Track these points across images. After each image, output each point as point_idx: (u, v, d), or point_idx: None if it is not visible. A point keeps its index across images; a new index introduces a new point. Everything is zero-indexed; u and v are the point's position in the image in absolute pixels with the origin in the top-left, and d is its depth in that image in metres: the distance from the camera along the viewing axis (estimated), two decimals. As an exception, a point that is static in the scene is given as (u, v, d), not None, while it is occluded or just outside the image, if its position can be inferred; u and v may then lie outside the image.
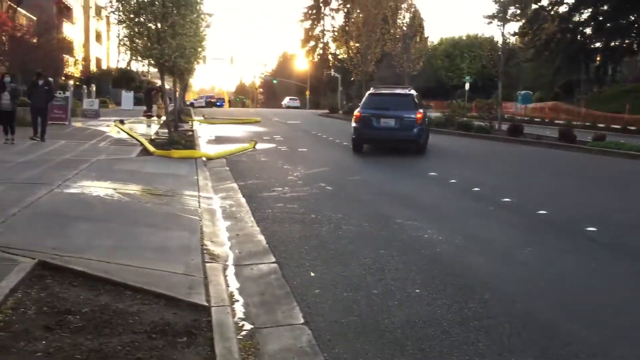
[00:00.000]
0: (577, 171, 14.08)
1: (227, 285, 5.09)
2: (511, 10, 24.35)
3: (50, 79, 32.57)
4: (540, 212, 8.31)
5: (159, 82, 27.65)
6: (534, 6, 40.47)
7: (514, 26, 24.54)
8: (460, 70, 62.46)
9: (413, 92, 17.48)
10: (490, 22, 24.48)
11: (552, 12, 42.82)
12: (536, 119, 36.16)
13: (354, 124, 16.31)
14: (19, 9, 35.97)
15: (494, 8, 24.13)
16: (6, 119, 14.21)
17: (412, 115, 15.64)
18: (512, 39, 25.71)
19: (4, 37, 28.22)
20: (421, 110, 16.27)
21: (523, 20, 38.26)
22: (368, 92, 17.81)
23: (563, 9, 42.97)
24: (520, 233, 7.15)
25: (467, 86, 48.64)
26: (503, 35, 23.65)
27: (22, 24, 32.56)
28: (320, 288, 5.02)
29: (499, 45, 23.95)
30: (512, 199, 9.24)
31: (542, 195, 9.87)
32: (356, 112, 16.49)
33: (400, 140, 15.94)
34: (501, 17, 23.60)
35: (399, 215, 7.88)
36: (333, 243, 6.45)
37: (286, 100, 72.98)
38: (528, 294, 5.00)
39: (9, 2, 35.34)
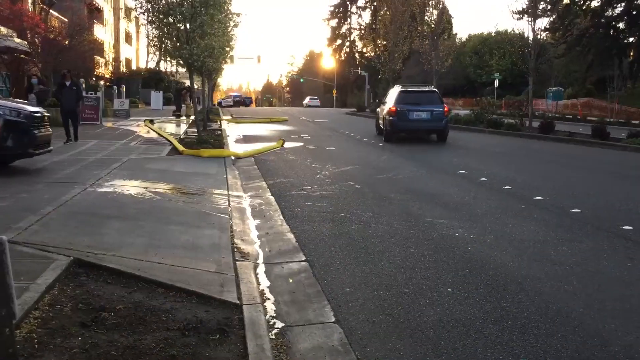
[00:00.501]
0: (611, 168, 13.78)
1: (258, 283, 5.11)
2: (542, 5, 23.92)
3: (82, 80, 33.18)
4: (574, 210, 8.16)
5: (187, 82, 27.96)
6: (565, 1, 39.77)
7: (544, 21, 24.03)
8: (490, 67, 61.65)
9: (436, 90, 20.59)
10: (520, 18, 24.01)
11: (584, 7, 42.03)
12: (568, 116, 35.54)
13: (389, 117, 18.73)
14: (51, 11, 36.65)
15: (523, 3, 23.68)
16: None
17: (441, 109, 18.82)
18: (543, 35, 25.19)
19: (37, 39, 28.76)
20: (446, 105, 19.35)
21: (554, 16, 37.60)
22: (399, 90, 19.94)
23: (595, 3, 42.18)
24: (554, 231, 7.02)
25: (496, 83, 47.97)
26: (533, 30, 23.26)
27: (54, 26, 33.14)
28: (351, 286, 5.00)
29: (529, 41, 23.54)
30: (544, 197, 9.09)
31: (576, 193, 9.68)
32: (391, 107, 18.72)
33: (431, 130, 19.27)
34: (531, 12, 23.18)
35: (428, 214, 7.82)
36: (363, 241, 6.43)
37: (307, 100, 77.63)
38: (563, 293, 4.91)
39: (42, 5, 36.03)
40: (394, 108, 18.59)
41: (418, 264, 5.61)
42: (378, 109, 23.90)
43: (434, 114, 18.64)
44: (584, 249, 6.24)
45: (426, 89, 20.91)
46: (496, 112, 27.86)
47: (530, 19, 23.29)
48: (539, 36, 23.58)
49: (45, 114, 10.36)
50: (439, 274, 5.32)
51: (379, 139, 19.61)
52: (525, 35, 23.74)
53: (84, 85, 29.16)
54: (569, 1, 40.98)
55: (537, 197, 9.08)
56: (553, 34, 41.33)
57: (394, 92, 20.14)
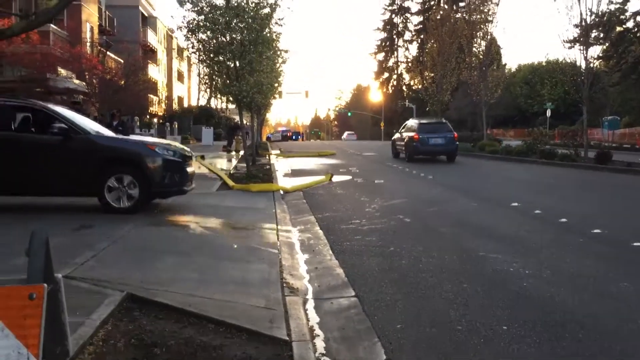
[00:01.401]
0: (674, 199, 13.19)
1: (308, 320, 5.05)
2: (594, 33, 23.46)
3: (136, 117, 34.24)
4: (635, 244, 7.81)
5: (237, 118, 28.53)
6: (618, 29, 38.95)
7: (597, 49, 23.49)
8: (541, 96, 60.67)
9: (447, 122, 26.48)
10: (572, 47, 23.59)
11: (638, 34, 41.04)
12: (625, 145, 34.48)
13: (412, 143, 24.46)
14: (108, 52, 38.31)
15: (574, 32, 23.29)
16: None
17: (452, 136, 24.69)
18: (596, 63, 24.65)
19: (94, 80, 30.07)
20: (455, 133, 25.25)
21: (607, 44, 36.85)
22: (418, 122, 25.96)
23: (650, 30, 41.15)
24: (614, 266, 6.72)
25: (548, 113, 47.13)
26: (586, 59, 22.79)
27: (111, 67, 34.64)
28: (402, 323, 4.89)
29: (581, 69, 23.06)
30: (603, 230, 8.75)
31: (636, 226, 9.29)
32: (414, 135, 24.48)
33: (445, 152, 24.82)
34: (583, 40, 22.77)
35: (481, 248, 7.63)
36: (413, 276, 6.31)
37: (345, 135, 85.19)
38: (626, 332, 4.66)
39: (100, 47, 37.73)
40: (416, 136, 24.32)
41: (471, 300, 5.45)
42: (394, 137, 29.30)
43: (447, 139, 24.38)
44: (648, 285, 5.94)
45: (438, 120, 27.24)
46: (549, 143, 27.26)
47: (582, 47, 22.86)
48: (591, 64, 23.07)
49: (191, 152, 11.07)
50: (494, 311, 5.14)
51: (429, 171, 19.43)
52: (578, 63, 23.27)
53: (138, 123, 30.19)
54: (622, 29, 40.10)
55: (596, 231, 8.75)
56: (607, 62, 40.44)
57: (413, 123, 26.11)
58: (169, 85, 62.45)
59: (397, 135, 28.17)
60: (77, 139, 9.24)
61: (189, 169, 10.35)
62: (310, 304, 5.53)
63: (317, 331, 4.80)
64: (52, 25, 29.47)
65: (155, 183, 9.51)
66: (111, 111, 17.46)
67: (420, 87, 49.48)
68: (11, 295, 1.87)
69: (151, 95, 45.15)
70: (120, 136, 11.56)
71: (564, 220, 9.72)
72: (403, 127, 27.36)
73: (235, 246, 7.61)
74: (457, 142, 25.05)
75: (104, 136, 10.03)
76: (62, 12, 29.09)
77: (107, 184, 9.24)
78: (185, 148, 10.87)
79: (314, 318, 5.14)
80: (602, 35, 24.48)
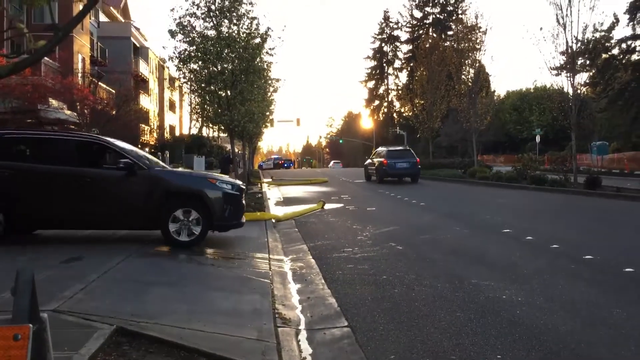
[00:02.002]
0: (664, 224, 13.26)
1: (300, 351, 5.00)
2: (580, 60, 23.83)
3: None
4: (628, 269, 7.82)
5: (229, 147, 28.58)
6: (604, 56, 39.59)
7: (583, 76, 23.83)
8: (530, 122, 61.37)
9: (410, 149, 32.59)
10: (558, 74, 23.93)
11: (624, 61, 41.71)
12: (614, 171, 34.77)
13: (382, 167, 29.22)
14: (100, 83, 38.46)
15: (560, 59, 23.64)
16: None
17: (415, 160, 29.61)
18: (583, 90, 24.98)
19: (86, 110, 30.12)
20: (417, 158, 30.34)
21: (593, 70, 37.41)
22: (387, 149, 31.16)
23: (635, 57, 41.81)
24: (607, 293, 6.72)
25: (537, 139, 47.56)
26: (573, 86, 23.10)
27: (102, 97, 34.73)
28: (395, 354, 4.84)
29: (569, 96, 23.36)
30: (595, 256, 8.77)
31: (628, 252, 9.31)
32: (383, 160, 29.28)
33: (409, 175, 29.55)
34: (569, 67, 23.11)
35: (473, 276, 7.61)
36: (406, 305, 6.27)
37: (331, 164, 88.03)
38: (620, 359, 4.64)
39: (91, 78, 37.88)
40: (385, 161, 29.15)
41: (465, 329, 5.42)
42: (366, 163, 33.98)
43: (411, 164, 29.24)
44: (641, 311, 5.93)
45: (404, 148, 33.70)
46: (539, 168, 27.44)
47: (568, 74, 23.19)
48: (579, 91, 23.38)
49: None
50: (487, 340, 5.11)
51: (422, 199, 19.45)
52: (565, 90, 23.58)
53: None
54: (608, 56, 40.77)
55: (588, 256, 8.76)
56: (593, 89, 40.98)
57: (382, 150, 31.44)
58: (161, 115, 62.62)
59: (368, 161, 33.17)
60: (140, 173, 9.43)
61: (243, 202, 10.58)
62: (303, 335, 5.47)
63: (310, 363, 4.75)
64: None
65: (217, 216, 9.66)
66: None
67: (410, 114, 49.95)
68: (-4, 336, 1.85)
69: (143, 125, 45.22)
70: (182, 170, 11.76)
71: (555, 246, 9.73)
72: (374, 154, 32.96)
73: (226, 276, 7.55)
74: (419, 166, 30.07)
75: (167, 171, 10.38)
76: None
77: (170, 217, 9.37)
78: (239, 182, 10.96)
79: (307, 349, 5.09)
80: (588, 62, 24.84)
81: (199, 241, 9.50)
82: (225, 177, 10.88)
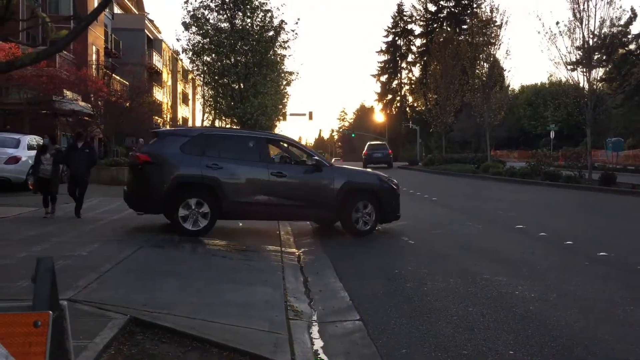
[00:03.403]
0: (680, 222, 13.13)
1: (312, 344, 5.01)
2: (596, 56, 23.58)
3: (141, 140, 34.36)
4: (642, 266, 7.76)
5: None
6: (620, 51, 39.18)
7: (599, 72, 23.65)
8: (544, 118, 60.89)
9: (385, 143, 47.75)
10: (574, 69, 23.69)
11: (640, 56, 41.26)
12: (629, 167, 34.42)
13: (364, 157, 42.87)
14: (113, 75, 38.64)
15: (577, 54, 23.39)
16: (46, 188, 11.42)
17: (387, 152, 43.82)
18: (599, 85, 24.75)
19: (99, 102, 30.30)
20: (390, 150, 45.25)
21: (610, 66, 37.02)
22: (369, 144, 46.35)
23: (652, 51, 41.35)
24: (621, 289, 6.67)
25: (552, 134, 47.18)
26: (589, 81, 22.87)
27: (116, 89, 34.90)
28: (407, 347, 4.84)
29: (585, 92, 23.13)
30: (609, 253, 8.70)
31: (643, 249, 9.23)
32: (364, 152, 44.05)
33: (383, 162, 41.49)
34: (585, 63, 22.87)
35: (486, 271, 7.58)
36: (418, 300, 6.26)
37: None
38: (633, 356, 4.60)
39: (105, 70, 38.07)
40: (366, 152, 43.78)
41: (477, 324, 5.40)
42: (363, 156, 44.10)
43: (384, 154, 43.08)
44: (656, 309, 5.88)
45: (380, 142, 49.63)
46: (553, 164, 27.24)
47: (584, 69, 22.97)
48: (594, 87, 23.15)
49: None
50: (500, 335, 5.09)
51: (433, 193, 19.39)
52: (581, 85, 23.36)
53: (142, 145, 30.31)
54: (624, 51, 40.31)
55: (602, 253, 8.69)
56: (610, 84, 40.58)
57: (367, 145, 45.98)
58: (174, 107, 62.82)
59: (364, 152, 44.82)
60: (325, 170, 10.53)
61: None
62: (315, 328, 5.49)
63: (322, 355, 4.76)
64: (59, 48, 29.77)
65: (387, 209, 10.81)
66: (77, 130, 16.32)
67: (423, 108, 49.72)
68: (16, 322, 1.87)
69: (156, 117, 45.40)
70: (355, 168, 13.30)
71: (569, 242, 9.67)
72: (366, 148, 45.42)
73: (238, 267, 7.59)
74: (391, 156, 44.92)
75: (346, 168, 11.85)
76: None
77: (353, 209, 10.48)
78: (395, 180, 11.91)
79: (319, 342, 5.10)
80: (604, 57, 24.58)
81: (373, 230, 10.65)
82: (381, 173, 11.88)
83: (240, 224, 10.95)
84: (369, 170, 13.84)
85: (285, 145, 11.65)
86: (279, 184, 10.11)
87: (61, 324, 2.09)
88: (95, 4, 34.31)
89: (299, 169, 10.60)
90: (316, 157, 10.68)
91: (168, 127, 52.70)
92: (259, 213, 10.26)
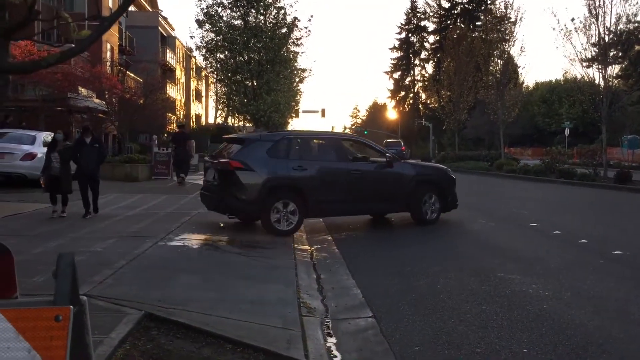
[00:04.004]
0: (696, 220, 12.99)
1: (325, 340, 5.03)
2: (612, 52, 23.34)
3: (155, 136, 34.57)
4: (658, 265, 7.69)
5: (254, 136, 28.71)
6: (637, 47, 38.74)
7: (615, 69, 23.44)
8: (559, 115, 60.36)
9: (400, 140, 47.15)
10: (589, 66, 23.49)
11: (657, 53, 40.76)
12: (645, 165, 34.01)
13: None
14: (127, 72, 38.88)
15: (592, 51, 23.18)
16: (56, 186, 10.99)
17: (400, 148, 42.62)
18: (615, 82, 24.50)
19: (114, 99, 30.51)
20: (403, 146, 44.08)
21: (626, 62, 36.61)
22: (386, 141, 42.29)
23: (669, 48, 40.81)
24: (636, 288, 6.62)
25: (567, 132, 46.76)
26: (604, 78, 22.66)
27: (130, 86, 35.11)
28: (420, 345, 4.84)
29: (600, 88, 22.92)
30: (624, 252, 8.63)
31: (658, 247, 9.15)
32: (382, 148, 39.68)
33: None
34: (601, 59, 22.66)
35: (500, 269, 7.56)
36: (432, 297, 6.26)
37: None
38: (650, 357, 4.57)
39: (119, 67, 38.30)
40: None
41: (490, 322, 5.39)
42: None
43: (397, 151, 36.47)
44: (672, 308, 5.83)
45: (396, 140, 48.39)
46: (568, 162, 27.03)
47: (600, 66, 22.76)
48: (610, 83, 22.93)
49: None
50: (513, 333, 5.08)
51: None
52: (596, 82, 23.15)
53: (156, 142, 30.50)
54: (640, 47, 39.87)
55: (617, 252, 8.63)
56: (625, 81, 40.16)
57: (383, 142, 42.60)
58: (187, 104, 63.10)
59: None
60: (396, 165, 11.28)
61: None
62: (328, 325, 5.50)
63: (335, 352, 4.78)
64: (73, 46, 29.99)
65: (450, 199, 11.78)
66: (84, 124, 15.85)
67: (437, 105, 49.49)
68: (38, 317, 1.90)
69: (169, 114, 45.62)
70: (419, 162, 14.45)
71: (583, 241, 9.61)
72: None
73: (252, 265, 7.63)
74: (404, 152, 43.33)
75: (412, 162, 12.99)
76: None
77: (422, 201, 11.36)
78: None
79: (332, 339, 5.12)
80: (620, 54, 24.34)
81: (437, 220, 11.50)
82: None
83: (222, 225, 10.90)
84: (431, 163, 14.79)
85: (358, 144, 12.84)
86: (356, 181, 10.77)
87: (81, 319, 2.13)
88: (110, 3, 34.55)
89: (373, 166, 11.25)
90: (388, 154, 11.49)
91: (247, 131, 52.91)
92: (339, 210, 11.03)
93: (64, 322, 1.88)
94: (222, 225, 10.78)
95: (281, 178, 10.25)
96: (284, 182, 10.28)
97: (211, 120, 75.10)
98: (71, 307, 1.97)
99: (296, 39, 18.31)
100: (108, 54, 36.91)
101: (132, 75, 39.66)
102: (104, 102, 30.24)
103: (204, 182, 11.38)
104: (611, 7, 22.14)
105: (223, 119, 66.56)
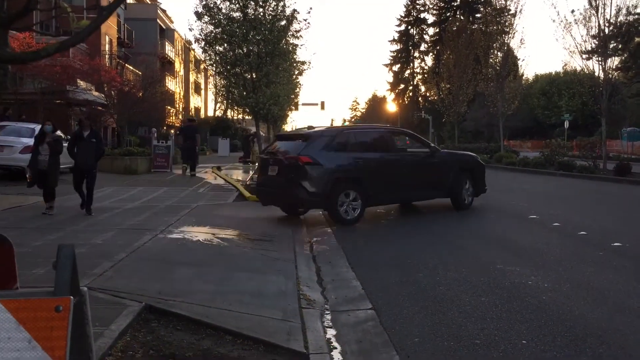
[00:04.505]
0: (696, 212, 13.00)
1: (325, 332, 5.05)
2: (612, 44, 23.28)
3: (154, 129, 34.46)
4: (657, 257, 7.70)
5: (253, 129, 28.70)
6: (637, 39, 38.63)
7: (615, 61, 23.39)
8: (559, 108, 60.32)
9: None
10: (589, 58, 23.43)
11: (657, 45, 40.63)
12: (644, 157, 34.02)
13: None
14: (126, 65, 38.78)
15: (592, 43, 23.11)
16: (42, 180, 10.42)
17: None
18: (615, 74, 24.44)
19: (113, 92, 30.44)
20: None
21: (625, 55, 36.52)
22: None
23: (669, 40, 40.69)
24: (635, 280, 6.63)
25: (566, 124, 46.73)
26: (604, 70, 22.61)
27: (129, 79, 35.01)
28: (419, 336, 4.86)
29: (600, 81, 22.87)
30: (623, 244, 8.64)
31: (657, 239, 9.16)
32: None
33: None
34: (601, 52, 22.60)
35: (499, 261, 7.57)
36: (431, 289, 6.27)
37: None
38: (649, 348, 4.59)
39: (118, 60, 38.19)
40: None
41: (489, 314, 5.40)
42: None
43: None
44: (671, 300, 5.85)
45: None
46: (567, 154, 27.03)
47: (600, 58, 22.70)
48: (610, 76, 22.88)
49: None
50: (512, 325, 5.09)
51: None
52: (596, 74, 23.10)
53: (155, 134, 30.45)
54: (640, 39, 39.75)
55: (616, 244, 8.64)
56: (625, 73, 40.10)
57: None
58: (186, 97, 62.96)
59: None
60: (437, 155, 12.46)
61: None
62: (328, 316, 5.52)
63: (335, 344, 4.79)
64: (72, 38, 29.83)
65: (479, 183, 12.97)
66: (80, 117, 15.37)
67: (436, 98, 49.40)
68: (38, 307, 1.91)
69: (168, 107, 45.54)
70: (454, 151, 15.82)
71: (583, 233, 9.62)
72: None
73: (251, 257, 7.64)
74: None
75: (450, 152, 14.43)
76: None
77: (463, 187, 12.54)
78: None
79: (331, 330, 5.13)
80: (620, 46, 24.27)
81: (471, 205, 12.65)
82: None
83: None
84: (465, 152, 15.84)
85: (406, 136, 13.84)
86: (407, 170, 11.74)
87: (82, 309, 2.13)
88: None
89: (420, 156, 12.28)
90: (431, 145, 12.81)
91: (180, 117, 52.92)
92: (393, 198, 12.03)
93: (64, 313, 1.88)
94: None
95: (345, 170, 10.94)
96: (347, 174, 10.97)
97: (210, 113, 75.00)
98: (71, 297, 1.97)
99: (295, 31, 18.22)
100: (107, 46, 36.80)
101: (131, 68, 39.55)
102: (102, 95, 30.17)
103: (261, 178, 11.93)
104: (611, -1, 22.06)
105: (222, 112, 66.47)
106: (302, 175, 10.51)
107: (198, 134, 23.15)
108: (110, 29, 38.05)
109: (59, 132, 11.10)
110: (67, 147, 11.04)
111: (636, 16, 24.78)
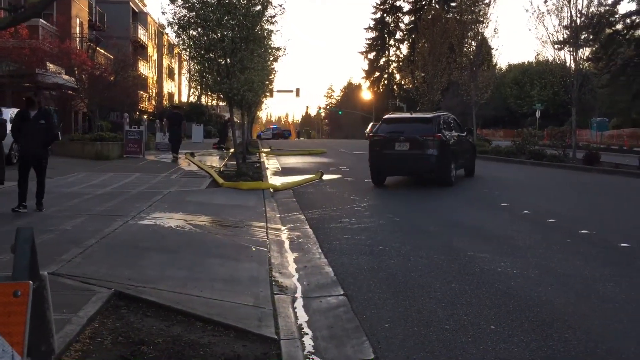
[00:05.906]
0: (661, 201, 13.30)
1: (296, 318, 5.05)
2: (583, 35, 23.58)
3: (126, 114, 33.89)
4: (622, 244, 7.88)
5: (228, 115, 28.45)
6: (607, 31, 39.20)
7: (586, 51, 23.68)
8: (531, 97, 60.96)
9: None
10: (561, 48, 23.69)
11: (627, 37, 41.30)
12: (613, 147, 34.75)
13: (368, 134, 35.45)
14: (97, 48, 38.05)
15: (564, 34, 23.37)
16: None
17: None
18: (586, 65, 24.78)
19: (84, 76, 29.86)
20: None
21: (596, 45, 37.04)
22: (371, 124, 39.51)
23: (639, 32, 41.39)
24: (601, 266, 6.77)
25: (538, 114, 47.32)
26: (575, 60, 22.92)
27: (100, 63, 34.37)
28: (390, 322, 4.90)
29: (571, 71, 23.18)
30: (590, 231, 8.81)
31: (623, 227, 9.37)
32: (369, 130, 35.79)
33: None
34: (572, 42, 22.87)
35: (469, 248, 7.66)
36: (402, 276, 6.32)
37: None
38: (612, 332, 4.70)
39: (89, 43, 37.44)
40: (370, 130, 38.52)
41: (459, 300, 5.47)
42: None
43: None
44: (635, 285, 5.99)
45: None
46: (538, 143, 27.39)
47: (571, 49, 22.99)
48: (581, 66, 23.19)
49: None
50: (481, 310, 5.17)
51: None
52: (567, 64, 23.40)
53: (127, 120, 30.00)
54: (611, 31, 40.35)
55: (583, 231, 8.81)
56: (596, 64, 40.68)
57: (369, 125, 44.50)
58: (159, 82, 62.14)
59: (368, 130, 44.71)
60: (465, 138, 16.72)
61: None
62: (299, 303, 5.53)
63: (306, 329, 4.81)
64: (41, 19, 29.15)
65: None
66: (28, 93, 13.36)
67: (411, 86, 49.51)
68: (-5, 292, 1.86)
69: (141, 92, 44.89)
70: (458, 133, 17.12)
71: (552, 220, 9.78)
72: (369, 127, 44.52)
73: (224, 244, 7.60)
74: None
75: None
76: (52, 6, 28.79)
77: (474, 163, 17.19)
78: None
79: (303, 316, 5.15)
80: (591, 37, 24.59)
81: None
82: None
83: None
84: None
85: (453, 119, 16.34)
86: (465, 146, 16.38)
87: (42, 294, 2.09)
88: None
89: (463, 135, 16.56)
90: (466, 127, 17.13)
91: (153, 102, 52.16)
92: (461, 165, 15.91)
93: (23, 298, 1.84)
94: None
95: (452, 144, 14.73)
96: (452, 147, 14.63)
97: (184, 99, 74.14)
98: (30, 282, 1.93)
99: (270, 16, 18.02)
100: (77, 29, 36.02)
101: (102, 51, 38.83)
102: (73, 79, 29.57)
103: (377, 155, 14.65)
104: (583, -10, 22.30)
105: (196, 98, 65.76)
106: (437, 148, 13.85)
107: (184, 121, 24.26)
108: (81, 11, 37.25)
109: (4, 116, 9.47)
110: (11, 130, 9.58)
111: (607, 7, 25.15)
